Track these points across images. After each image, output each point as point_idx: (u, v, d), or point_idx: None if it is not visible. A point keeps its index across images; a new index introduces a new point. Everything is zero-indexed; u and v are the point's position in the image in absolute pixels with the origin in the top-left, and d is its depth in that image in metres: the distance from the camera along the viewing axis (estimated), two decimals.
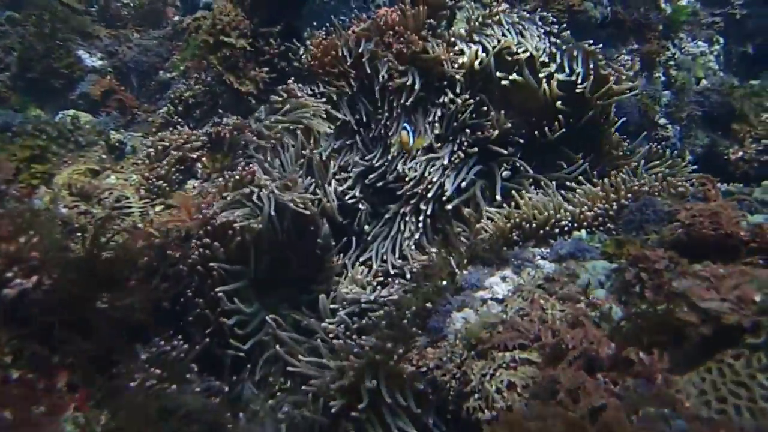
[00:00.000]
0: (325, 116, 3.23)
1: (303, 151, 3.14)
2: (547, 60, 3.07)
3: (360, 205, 3.14)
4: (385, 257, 3.07)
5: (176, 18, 5.93)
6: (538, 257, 2.38)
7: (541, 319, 1.79)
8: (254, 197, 2.78)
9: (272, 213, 2.71)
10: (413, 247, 3.03)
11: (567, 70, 3.00)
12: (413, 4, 3.26)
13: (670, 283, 1.69)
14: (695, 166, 3.02)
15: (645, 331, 1.45)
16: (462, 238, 2.85)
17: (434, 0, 3.30)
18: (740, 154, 4.20)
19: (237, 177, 2.92)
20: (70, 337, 1.96)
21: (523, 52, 3.01)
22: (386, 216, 3.15)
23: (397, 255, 3.03)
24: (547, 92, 2.93)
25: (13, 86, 4.67)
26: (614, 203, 2.41)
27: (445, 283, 2.43)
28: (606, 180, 2.58)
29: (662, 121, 4.38)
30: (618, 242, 2.13)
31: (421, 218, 2.98)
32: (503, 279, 2.34)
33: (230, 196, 2.84)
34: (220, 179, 3.01)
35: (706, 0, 5.69)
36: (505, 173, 3.01)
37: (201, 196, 3.14)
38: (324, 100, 3.32)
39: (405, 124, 3.09)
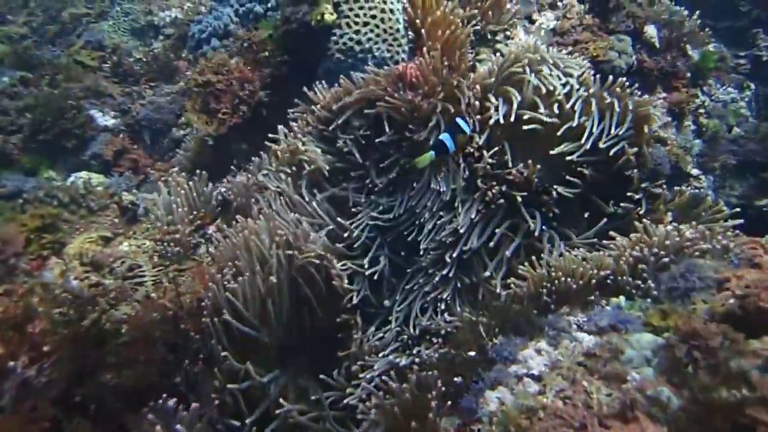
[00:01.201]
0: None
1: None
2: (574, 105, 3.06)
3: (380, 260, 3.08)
4: (407, 317, 3.00)
5: (188, 72, 6.08)
6: (575, 327, 2.29)
7: (586, 404, 1.70)
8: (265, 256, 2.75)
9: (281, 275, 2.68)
10: (439, 306, 2.97)
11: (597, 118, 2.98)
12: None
13: (727, 363, 1.61)
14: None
15: (708, 425, 1.36)
16: (492, 300, 2.80)
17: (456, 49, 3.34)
18: None
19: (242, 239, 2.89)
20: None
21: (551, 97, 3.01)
22: (408, 271, 3.10)
23: (420, 316, 2.96)
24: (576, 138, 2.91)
25: (25, 148, 4.78)
26: (653, 257, 2.35)
27: (474, 353, 2.35)
28: (642, 231, 2.52)
29: (694, 171, 4.32)
30: (663, 312, 2.05)
31: (446, 272, 2.92)
32: (538, 352, 2.25)
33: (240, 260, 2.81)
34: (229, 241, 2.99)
35: (730, 41, 5.72)
36: (536, 226, 2.96)
37: (215, 261, 3.12)
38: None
39: (457, 119, 3.03)
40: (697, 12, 4.51)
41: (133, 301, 2.74)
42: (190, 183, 3.72)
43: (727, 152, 4.50)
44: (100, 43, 6.39)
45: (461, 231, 2.92)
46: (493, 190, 2.95)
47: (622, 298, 2.32)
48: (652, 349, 1.92)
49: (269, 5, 5.27)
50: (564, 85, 3.03)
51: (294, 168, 3.25)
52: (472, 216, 2.95)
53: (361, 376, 2.74)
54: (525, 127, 2.98)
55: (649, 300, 2.27)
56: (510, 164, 2.99)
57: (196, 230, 3.64)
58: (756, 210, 4.37)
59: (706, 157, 4.46)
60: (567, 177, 2.98)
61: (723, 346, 1.69)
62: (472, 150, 3.05)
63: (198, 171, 3.62)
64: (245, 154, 3.96)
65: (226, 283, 2.69)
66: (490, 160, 2.98)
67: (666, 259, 2.32)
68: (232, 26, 5.25)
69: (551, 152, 2.96)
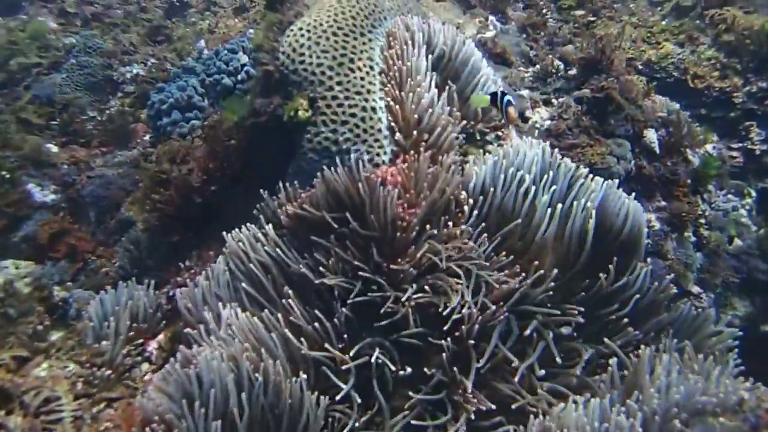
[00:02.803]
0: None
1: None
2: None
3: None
4: None
5: (147, 137, 5.76)
6: None
7: None
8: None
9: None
10: None
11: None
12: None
13: None
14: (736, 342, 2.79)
15: None
16: None
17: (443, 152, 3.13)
18: None
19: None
20: None
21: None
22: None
23: None
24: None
25: None
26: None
27: None
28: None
29: (696, 289, 4.15)
30: None
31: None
32: None
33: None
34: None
35: (724, 131, 5.70)
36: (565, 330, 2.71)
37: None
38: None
39: (508, 96, 2.94)
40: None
41: None
42: (133, 288, 3.37)
43: (730, 268, 4.35)
44: (50, 98, 6.05)
45: None
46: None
47: None
48: None
49: (239, 77, 5.03)
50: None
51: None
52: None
53: None
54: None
55: None
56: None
57: (134, 347, 3.27)
58: (762, 335, 4.19)
59: (707, 272, 4.30)
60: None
61: None
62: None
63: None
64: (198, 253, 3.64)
65: None
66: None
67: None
68: (197, 98, 4.97)
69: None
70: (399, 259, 2.79)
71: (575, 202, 2.82)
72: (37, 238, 4.31)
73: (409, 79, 3.20)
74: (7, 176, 4.48)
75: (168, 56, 6.94)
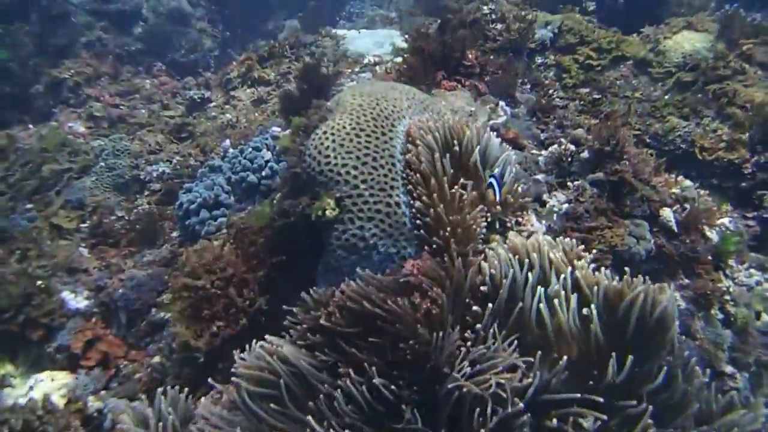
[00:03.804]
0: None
1: None
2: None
3: None
4: None
5: (174, 234, 5.90)
6: None
7: None
8: None
9: None
10: None
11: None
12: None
13: None
14: None
15: None
16: None
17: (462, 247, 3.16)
18: None
19: None
20: None
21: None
22: None
23: None
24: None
25: None
26: None
27: None
28: None
29: (728, 369, 4.05)
30: None
31: None
32: None
33: None
34: None
35: (737, 201, 5.68)
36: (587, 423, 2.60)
37: None
38: None
39: (491, 179, 3.12)
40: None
41: None
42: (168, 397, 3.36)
43: (761, 345, 4.25)
44: (81, 202, 6.26)
45: None
46: None
47: None
48: None
49: (263, 173, 5.18)
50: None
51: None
52: None
53: None
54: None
55: None
56: None
57: None
58: None
59: (739, 351, 4.20)
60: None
61: None
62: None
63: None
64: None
65: None
66: None
67: None
68: (223, 196, 5.12)
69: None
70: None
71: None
72: (72, 347, 4.36)
73: (432, 180, 3.27)
74: (43, 286, 4.60)
75: (192, 152, 7.18)
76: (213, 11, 13.27)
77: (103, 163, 6.73)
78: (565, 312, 2.71)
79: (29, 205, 6.39)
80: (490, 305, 2.86)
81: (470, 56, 4.59)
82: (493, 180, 3.22)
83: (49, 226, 5.76)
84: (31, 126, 8.03)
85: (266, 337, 3.16)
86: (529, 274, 2.88)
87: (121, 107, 8.57)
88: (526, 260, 2.93)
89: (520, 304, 2.81)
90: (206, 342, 3.24)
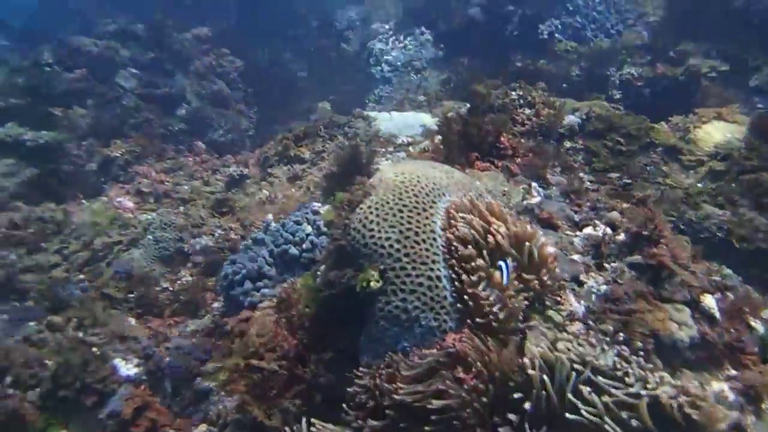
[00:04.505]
0: None
1: None
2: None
3: None
4: None
5: (215, 305, 6.13)
6: None
7: None
8: None
9: None
10: None
11: None
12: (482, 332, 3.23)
13: None
14: None
15: None
16: None
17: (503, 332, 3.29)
18: None
19: None
20: None
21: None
22: None
23: None
24: None
25: (41, 405, 4.62)
26: None
27: None
28: None
29: None
30: None
31: None
32: None
33: None
34: None
35: None
36: None
37: None
38: None
39: (501, 262, 3.14)
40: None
41: None
42: None
43: None
44: (129, 273, 6.55)
45: None
46: None
47: None
48: None
49: (304, 246, 5.43)
50: None
51: None
52: None
53: None
54: None
55: None
56: None
57: None
58: None
59: None
60: None
61: None
62: None
63: None
64: None
65: None
66: None
67: None
68: (266, 268, 5.37)
69: None
70: None
71: None
72: (122, 414, 4.51)
73: (472, 263, 3.45)
74: (97, 353, 4.81)
75: (232, 226, 7.51)
76: (249, 94, 14.04)
77: (150, 236, 7.07)
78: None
79: (81, 276, 6.71)
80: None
81: (502, 139, 4.89)
82: (502, 263, 3.31)
83: (100, 295, 6.02)
84: (84, 201, 8.48)
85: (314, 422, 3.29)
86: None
87: (165, 183, 9.02)
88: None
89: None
90: (280, 421, 3.38)
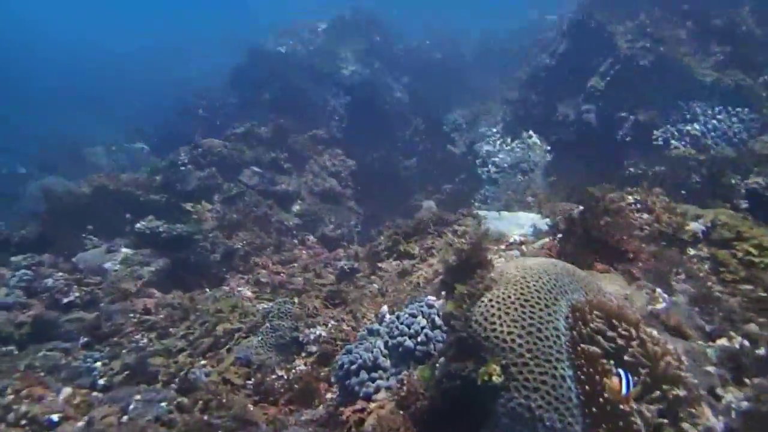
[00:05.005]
0: None
1: None
2: None
3: None
4: None
5: (328, 396, 6.30)
6: None
7: None
8: None
9: None
10: None
11: None
12: None
13: None
14: None
15: None
16: None
17: None
18: None
19: None
20: None
21: None
22: None
23: None
24: None
25: None
26: None
27: None
28: None
29: None
30: None
31: None
32: None
33: None
34: None
35: None
36: None
37: None
38: None
39: (619, 370, 3.01)
40: None
41: None
42: None
43: None
44: (248, 359, 6.92)
45: None
46: None
47: None
48: None
49: (419, 339, 5.57)
50: None
51: None
52: None
53: None
54: None
55: None
56: None
57: None
58: None
59: None
60: None
61: None
62: None
63: None
64: None
65: None
66: None
67: None
68: (381, 359, 5.52)
69: None
70: None
71: None
72: None
73: (600, 366, 3.47)
74: None
75: (345, 318, 7.80)
76: (358, 192, 14.84)
77: (268, 324, 7.49)
78: None
79: (203, 361, 7.17)
80: None
81: (622, 242, 4.92)
82: (621, 371, 3.28)
83: (222, 380, 6.39)
84: (207, 289, 9.17)
85: None
86: None
87: (281, 274, 9.59)
88: None
89: None
90: None
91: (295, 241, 11.94)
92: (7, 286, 9.41)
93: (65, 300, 9.16)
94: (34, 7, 57.27)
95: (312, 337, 7.40)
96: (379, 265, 9.76)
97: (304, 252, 11.01)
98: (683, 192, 8.71)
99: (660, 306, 4.45)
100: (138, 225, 10.78)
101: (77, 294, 9.23)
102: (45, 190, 11.88)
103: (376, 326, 6.07)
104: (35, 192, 15.74)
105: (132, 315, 8.46)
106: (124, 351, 7.68)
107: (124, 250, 10.36)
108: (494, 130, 15.27)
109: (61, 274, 9.67)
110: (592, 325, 3.68)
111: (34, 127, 26.76)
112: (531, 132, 13.95)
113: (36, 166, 20.93)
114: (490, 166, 13.91)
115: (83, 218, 11.10)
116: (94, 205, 11.39)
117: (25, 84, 35.85)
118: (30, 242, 10.58)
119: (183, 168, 12.34)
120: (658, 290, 4.67)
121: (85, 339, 8.33)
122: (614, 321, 3.68)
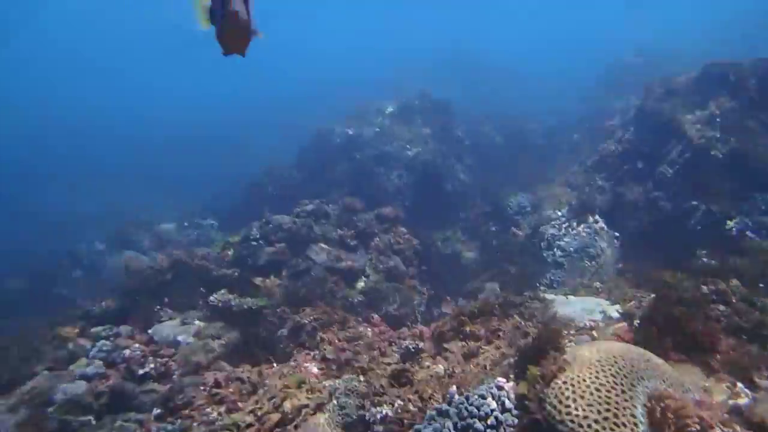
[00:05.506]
0: None
1: None
2: None
3: None
4: None
5: None
6: None
7: None
8: None
9: None
10: None
11: None
12: None
13: None
14: None
15: None
16: None
17: None
18: None
19: None
20: None
21: None
22: None
23: None
24: None
25: None
26: None
27: None
28: None
29: None
30: None
31: None
32: None
33: None
34: None
35: None
36: None
37: None
38: None
39: None
40: None
41: None
42: None
43: None
44: None
45: None
46: None
47: None
48: None
49: (488, 422, 5.61)
50: None
51: None
52: None
53: None
54: None
55: None
56: None
57: None
58: None
59: None
60: None
61: None
62: None
63: None
64: None
65: None
66: None
67: None
68: None
69: None
70: None
71: None
72: None
73: None
74: None
75: (411, 398, 7.86)
76: (422, 271, 15.06)
77: (335, 401, 7.64)
78: None
79: None
80: None
81: (700, 333, 4.93)
82: None
83: None
84: (275, 364, 9.44)
85: None
86: None
87: (347, 351, 9.78)
88: None
89: None
90: None
91: (360, 318, 12.16)
92: (87, 356, 9.97)
93: (141, 371, 9.61)
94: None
95: (378, 416, 7.48)
96: (444, 345, 9.81)
97: (369, 330, 11.20)
98: (761, 285, 8.53)
99: (742, 401, 4.40)
100: (210, 298, 11.32)
101: (152, 365, 9.68)
102: (125, 264, 12.66)
103: (445, 406, 6.15)
104: (115, 266, 16.79)
105: (203, 388, 8.78)
106: (195, 424, 7.95)
107: (197, 322, 10.85)
108: (559, 213, 15.38)
109: (137, 345, 10.19)
110: (674, 419, 3.71)
111: (110, 204, 28.67)
112: (597, 217, 14.00)
113: (113, 242, 22.26)
114: (555, 249, 13.94)
115: (160, 291, 11.74)
116: (171, 278, 12.04)
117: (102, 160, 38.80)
118: (110, 314, 11.23)
119: (255, 243, 12.96)
120: (740, 385, 4.62)
121: (158, 411, 8.68)
122: (698, 415, 3.71)
